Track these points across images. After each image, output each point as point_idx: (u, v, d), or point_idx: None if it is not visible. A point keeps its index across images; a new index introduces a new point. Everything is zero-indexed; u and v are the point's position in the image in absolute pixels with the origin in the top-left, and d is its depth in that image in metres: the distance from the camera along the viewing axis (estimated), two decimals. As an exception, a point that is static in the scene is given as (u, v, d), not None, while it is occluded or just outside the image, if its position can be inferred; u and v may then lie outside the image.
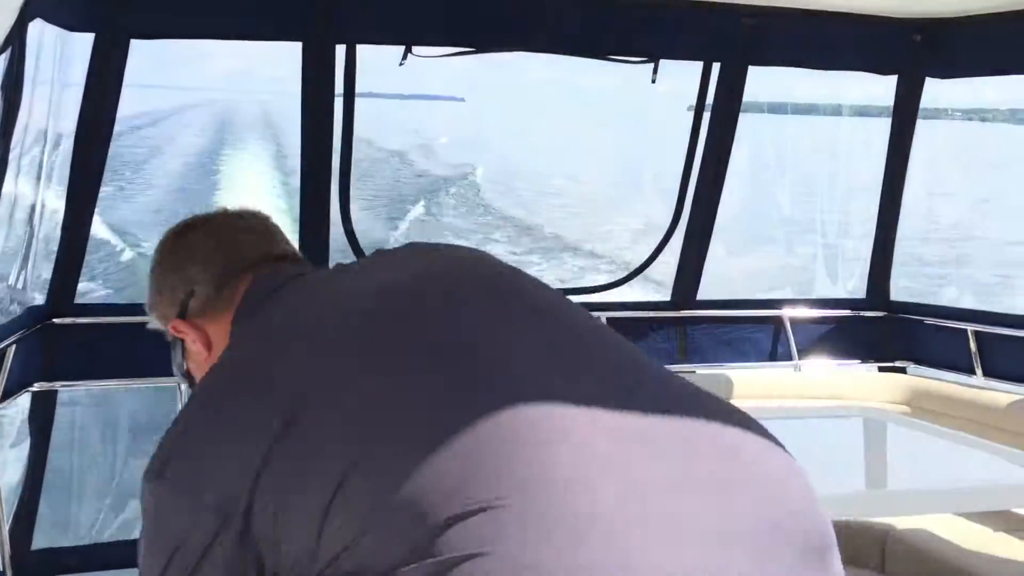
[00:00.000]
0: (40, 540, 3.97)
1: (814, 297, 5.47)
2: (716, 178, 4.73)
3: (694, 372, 4.84)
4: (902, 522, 3.63)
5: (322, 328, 1.22)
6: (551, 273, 18.45)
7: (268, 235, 1.51)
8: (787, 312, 5.00)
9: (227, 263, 1.43)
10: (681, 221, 4.80)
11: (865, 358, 5.06)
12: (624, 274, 5.41)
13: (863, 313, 5.15)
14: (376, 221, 20.51)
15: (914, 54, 4.73)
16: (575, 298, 5.26)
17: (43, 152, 3.84)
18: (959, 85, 5.05)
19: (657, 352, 4.83)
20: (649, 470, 1.09)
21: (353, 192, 4.47)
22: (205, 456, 1.15)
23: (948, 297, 17.49)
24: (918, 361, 5.00)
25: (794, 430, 3.67)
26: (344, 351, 1.18)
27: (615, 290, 5.50)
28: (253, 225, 1.52)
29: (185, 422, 1.22)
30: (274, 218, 1.58)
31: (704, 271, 4.88)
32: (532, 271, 1.48)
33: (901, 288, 5.27)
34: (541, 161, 40.15)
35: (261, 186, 24.91)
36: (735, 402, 4.40)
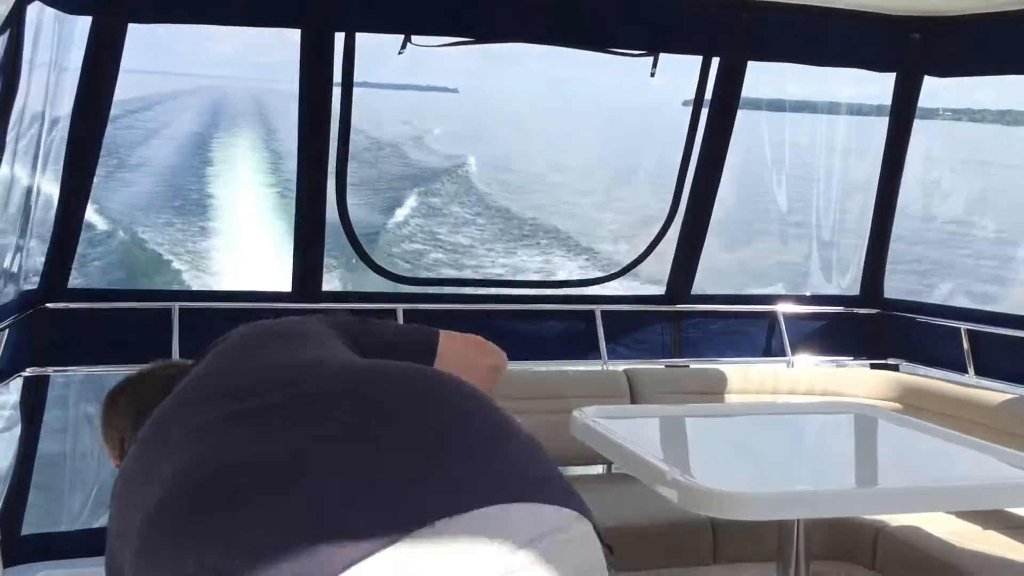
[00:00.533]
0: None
1: (808, 293, 5.49)
2: (713, 173, 4.73)
3: (688, 366, 4.85)
4: (893, 519, 3.65)
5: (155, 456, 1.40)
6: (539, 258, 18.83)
7: (173, 378, 1.67)
8: (781, 308, 5.01)
9: (140, 411, 1.65)
10: (677, 215, 4.80)
11: (858, 355, 5.07)
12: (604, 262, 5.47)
13: (856, 310, 5.16)
14: (368, 210, 20.52)
15: (912, 52, 4.73)
16: (569, 291, 5.30)
17: (40, 136, 3.83)
18: (950, 85, 5.06)
19: (651, 346, 4.84)
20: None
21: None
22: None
23: (941, 293, 17.55)
24: (911, 359, 5.01)
25: (786, 426, 3.68)
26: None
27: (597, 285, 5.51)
28: (170, 373, 1.76)
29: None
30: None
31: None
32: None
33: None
34: (534, 153, 40.16)
35: (252, 166, 25.56)
36: (728, 397, 4.38)
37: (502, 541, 1.18)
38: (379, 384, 1.42)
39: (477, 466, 1.26)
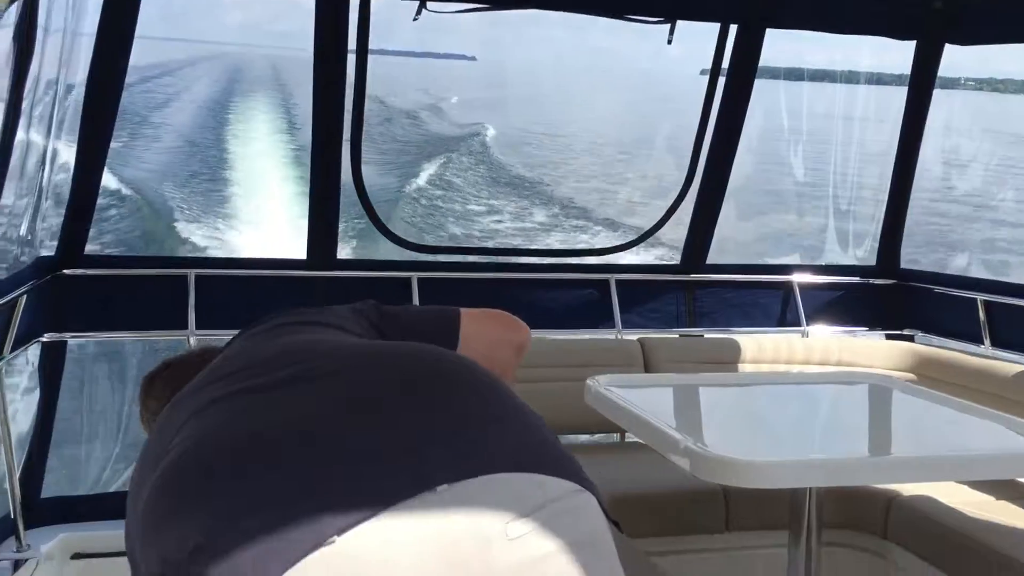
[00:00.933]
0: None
1: (824, 263, 5.47)
2: (729, 142, 4.70)
3: (702, 336, 4.85)
4: (906, 489, 3.65)
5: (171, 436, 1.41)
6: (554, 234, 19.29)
7: (208, 363, 1.67)
8: (796, 278, 5.00)
9: (174, 394, 1.63)
10: (693, 184, 4.78)
11: (873, 325, 5.05)
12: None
13: (872, 280, 5.14)
14: (384, 178, 20.58)
15: (933, 19, 4.68)
16: (585, 260, 5.29)
17: (55, 102, 3.83)
18: (972, 55, 5.01)
19: (665, 315, 4.84)
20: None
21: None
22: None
23: (958, 263, 17.48)
24: (926, 329, 4.99)
25: (800, 395, 3.68)
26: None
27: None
28: (205, 358, 1.75)
29: None
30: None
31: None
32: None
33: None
34: (551, 120, 40.03)
35: (268, 131, 25.94)
36: (743, 367, 4.36)
37: (502, 508, 1.19)
38: (388, 359, 1.43)
39: (481, 436, 1.28)
